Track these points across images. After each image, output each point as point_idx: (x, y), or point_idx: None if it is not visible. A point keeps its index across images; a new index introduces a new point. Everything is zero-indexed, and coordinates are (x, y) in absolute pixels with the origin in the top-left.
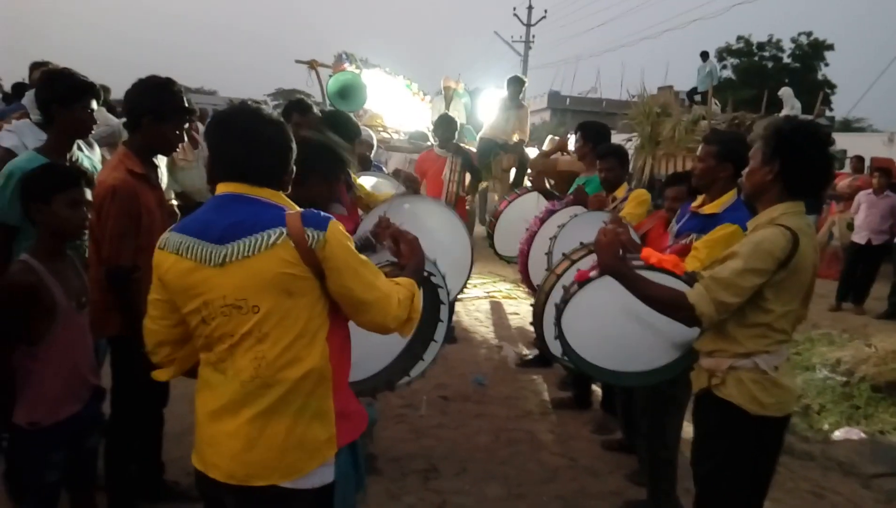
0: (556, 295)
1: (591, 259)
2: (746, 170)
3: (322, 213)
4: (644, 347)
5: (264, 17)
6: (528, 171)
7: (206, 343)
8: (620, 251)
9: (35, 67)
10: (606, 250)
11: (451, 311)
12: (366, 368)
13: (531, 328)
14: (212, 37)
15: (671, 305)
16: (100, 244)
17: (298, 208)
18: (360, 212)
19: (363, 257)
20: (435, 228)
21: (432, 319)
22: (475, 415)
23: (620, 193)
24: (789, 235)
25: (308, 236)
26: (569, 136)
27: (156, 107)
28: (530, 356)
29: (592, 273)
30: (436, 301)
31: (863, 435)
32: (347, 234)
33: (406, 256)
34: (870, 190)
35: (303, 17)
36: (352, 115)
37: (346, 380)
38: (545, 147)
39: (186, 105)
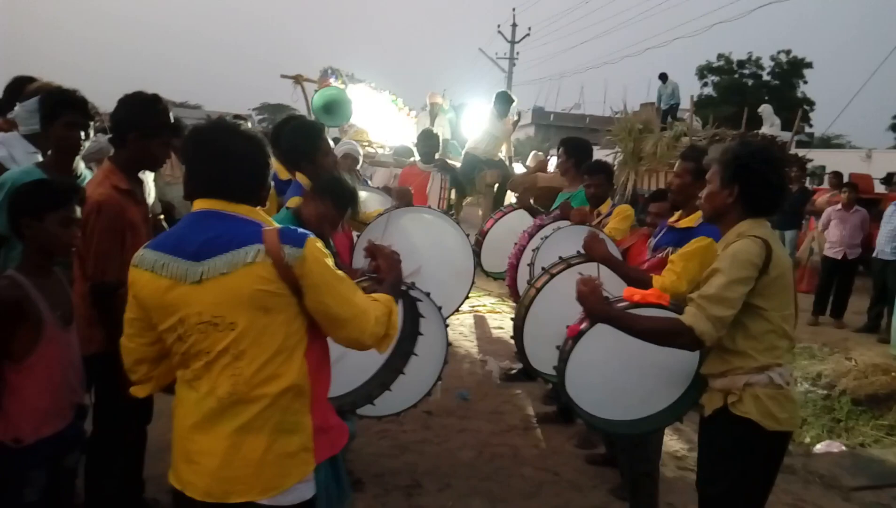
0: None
1: (592, 267)
2: (705, 192)
3: (299, 229)
4: (650, 387)
5: (250, 33)
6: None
7: (183, 360)
8: (604, 296)
9: (22, 82)
10: (590, 298)
11: (446, 322)
12: (345, 382)
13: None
14: (197, 51)
15: (669, 333)
16: (84, 260)
17: (276, 224)
18: (354, 232)
19: (341, 273)
20: (434, 238)
21: (412, 332)
22: (459, 430)
23: (605, 208)
24: (760, 242)
25: (285, 253)
26: (549, 157)
27: (142, 123)
28: (514, 371)
29: (583, 325)
30: (415, 314)
31: (844, 448)
32: (325, 250)
33: (384, 270)
34: (839, 205)
35: (289, 33)
36: (333, 129)
37: (325, 395)
38: (528, 163)
39: (172, 122)
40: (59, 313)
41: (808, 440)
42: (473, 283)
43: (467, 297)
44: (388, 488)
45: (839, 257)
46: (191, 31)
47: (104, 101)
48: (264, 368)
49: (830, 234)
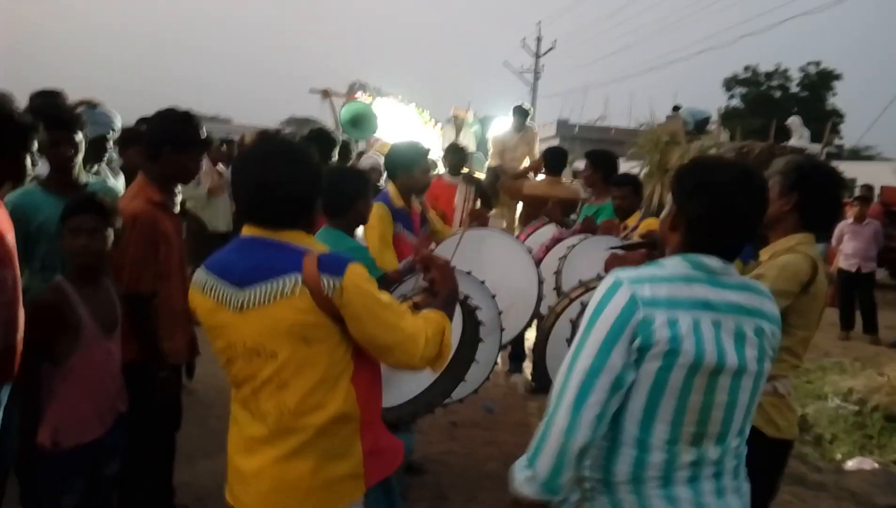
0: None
1: None
2: None
3: (343, 255)
4: None
5: (278, 47)
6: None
7: (235, 382)
8: None
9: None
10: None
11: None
12: (402, 393)
13: None
14: (227, 66)
15: None
16: (120, 271)
17: (319, 249)
18: (433, 244)
19: (385, 297)
20: (502, 261)
21: (472, 340)
22: (485, 442)
23: (632, 221)
24: (810, 260)
25: (324, 283)
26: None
27: (176, 138)
28: (538, 383)
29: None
30: (474, 323)
31: (876, 465)
32: (367, 275)
33: (438, 282)
34: (850, 219)
35: (316, 48)
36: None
37: (377, 417)
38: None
39: (204, 137)
40: (102, 321)
41: (839, 456)
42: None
43: (530, 325)
44: (414, 500)
45: (853, 270)
46: (221, 48)
47: (133, 118)
48: (308, 398)
49: (845, 247)
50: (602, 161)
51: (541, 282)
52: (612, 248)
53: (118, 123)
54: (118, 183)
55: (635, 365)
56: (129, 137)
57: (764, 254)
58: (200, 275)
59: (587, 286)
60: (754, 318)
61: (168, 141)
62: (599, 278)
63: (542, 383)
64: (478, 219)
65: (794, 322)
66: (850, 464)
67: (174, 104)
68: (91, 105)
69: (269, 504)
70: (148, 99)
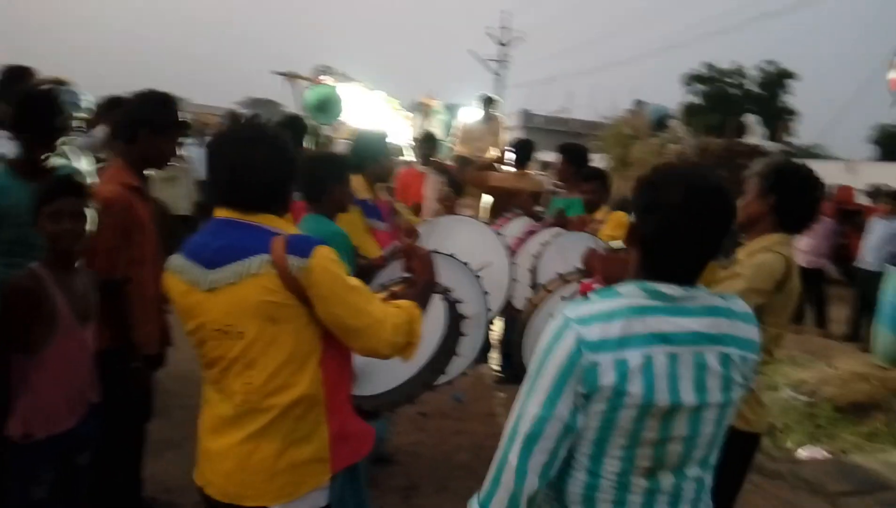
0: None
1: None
2: (741, 201)
3: (311, 238)
4: None
5: (238, 27)
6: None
7: (206, 363)
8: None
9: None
10: (618, 268)
11: (487, 327)
12: (383, 382)
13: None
14: (185, 45)
15: None
16: (93, 257)
17: (288, 231)
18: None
19: (353, 281)
20: (473, 247)
21: (454, 333)
22: (454, 432)
23: (600, 214)
24: (785, 260)
25: (290, 263)
26: (507, 148)
27: (154, 120)
28: (505, 373)
29: (596, 286)
30: (456, 316)
31: (826, 454)
32: (336, 258)
33: (418, 271)
34: None
35: (278, 29)
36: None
37: (346, 402)
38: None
39: (183, 119)
40: (77, 309)
41: (790, 444)
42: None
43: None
44: (385, 490)
45: (806, 266)
46: (178, 26)
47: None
48: (274, 377)
49: (799, 243)
50: (576, 156)
51: (512, 266)
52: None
53: (85, 103)
54: (83, 164)
55: (583, 409)
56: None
57: (741, 253)
58: (175, 259)
59: (565, 279)
60: (720, 345)
61: (145, 123)
62: (578, 271)
63: (518, 374)
64: (447, 207)
65: (767, 320)
66: (803, 453)
67: (118, 82)
68: (59, 83)
69: (233, 484)
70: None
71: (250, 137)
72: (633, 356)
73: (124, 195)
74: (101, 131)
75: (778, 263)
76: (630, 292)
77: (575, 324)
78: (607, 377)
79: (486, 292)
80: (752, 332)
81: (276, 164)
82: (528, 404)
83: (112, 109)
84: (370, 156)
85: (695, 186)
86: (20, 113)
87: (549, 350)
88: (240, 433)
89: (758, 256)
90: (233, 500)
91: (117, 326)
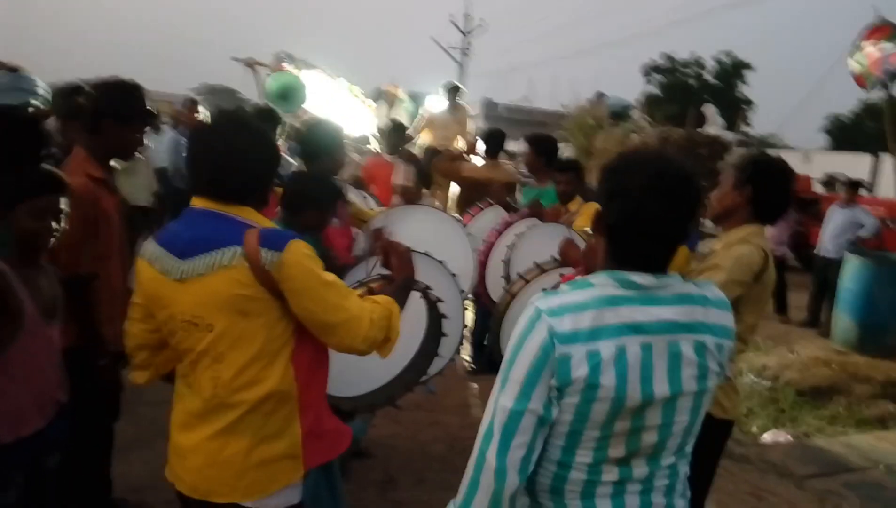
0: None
1: (569, 270)
2: (715, 193)
3: (285, 232)
4: None
5: (193, 11)
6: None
7: (177, 355)
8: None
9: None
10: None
11: (463, 325)
12: (364, 383)
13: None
14: (131, 29)
15: None
16: (57, 251)
17: (264, 225)
18: (353, 229)
19: (329, 277)
20: (434, 236)
21: (435, 334)
22: (428, 423)
23: (574, 206)
24: (762, 252)
25: (263, 256)
26: (477, 138)
27: (119, 110)
28: (473, 367)
29: (578, 277)
30: (437, 315)
31: (790, 438)
32: (310, 253)
33: (396, 268)
34: None
35: (235, 16)
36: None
37: (320, 400)
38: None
39: (148, 109)
40: (44, 306)
41: (755, 429)
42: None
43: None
44: (362, 483)
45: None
46: (124, 9)
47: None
48: (243, 372)
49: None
50: (545, 146)
51: (474, 251)
52: None
53: (41, 90)
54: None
55: (556, 401)
56: (69, 110)
57: (716, 244)
58: (149, 246)
59: (542, 268)
60: (694, 334)
61: (110, 113)
62: (555, 260)
63: (495, 364)
64: (408, 197)
65: (745, 310)
66: (766, 437)
67: (83, 68)
68: (11, 69)
69: (203, 480)
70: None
71: (235, 129)
72: (606, 348)
73: (88, 187)
74: (52, 122)
75: (756, 255)
76: (602, 282)
77: (546, 316)
78: (579, 370)
79: (462, 290)
80: (726, 319)
81: (259, 156)
82: (502, 398)
83: (67, 97)
84: (326, 148)
85: (659, 170)
86: None
87: (521, 343)
88: (209, 428)
89: (735, 247)
90: (203, 496)
91: (84, 323)
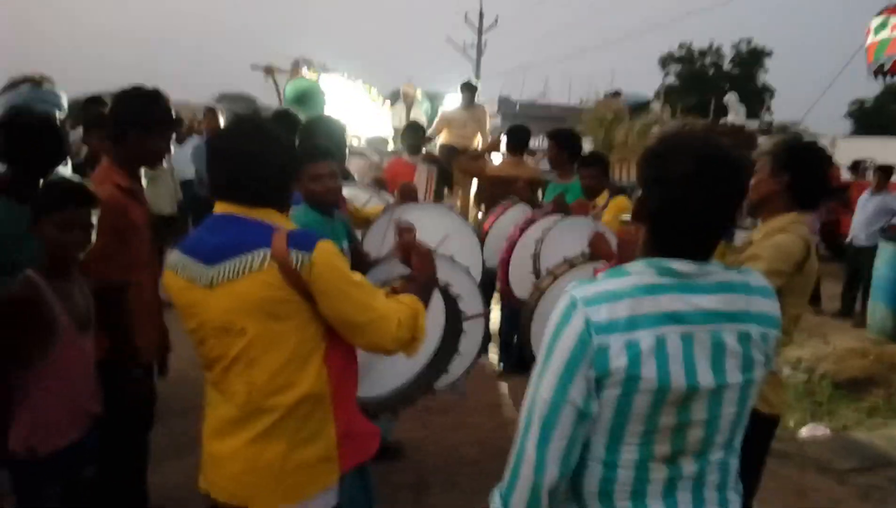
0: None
1: (598, 265)
2: (753, 181)
3: (312, 233)
4: None
5: (212, 21)
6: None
7: (206, 363)
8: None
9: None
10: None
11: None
12: (385, 384)
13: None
14: (157, 39)
15: None
16: (87, 262)
17: (288, 226)
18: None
19: (357, 276)
20: (440, 234)
21: (455, 331)
22: (458, 426)
23: (601, 200)
24: (803, 241)
25: (293, 258)
26: (501, 136)
27: (143, 119)
28: (502, 366)
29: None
30: (456, 312)
31: (828, 432)
32: (338, 253)
33: (417, 268)
34: None
35: (253, 23)
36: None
37: (352, 399)
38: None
39: (172, 115)
40: (77, 317)
41: (792, 424)
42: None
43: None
44: (395, 487)
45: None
46: (151, 20)
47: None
48: (277, 376)
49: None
50: (568, 141)
51: (481, 244)
52: None
53: (65, 102)
54: (66, 169)
55: (596, 394)
56: (91, 120)
57: (756, 234)
58: (174, 256)
59: (572, 263)
60: (737, 323)
61: (134, 122)
62: (584, 255)
63: (525, 362)
64: (406, 195)
65: (788, 301)
66: (804, 432)
67: (99, 78)
68: (36, 82)
69: (241, 486)
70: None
71: (250, 132)
72: (645, 338)
73: (117, 197)
74: (75, 133)
75: (797, 243)
76: (639, 271)
77: (582, 305)
78: (618, 360)
79: (478, 286)
80: (771, 307)
81: (279, 158)
82: (541, 389)
83: (89, 107)
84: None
85: (705, 155)
86: (10, 143)
87: (557, 333)
88: (246, 434)
89: (776, 236)
90: (242, 503)
91: (116, 334)
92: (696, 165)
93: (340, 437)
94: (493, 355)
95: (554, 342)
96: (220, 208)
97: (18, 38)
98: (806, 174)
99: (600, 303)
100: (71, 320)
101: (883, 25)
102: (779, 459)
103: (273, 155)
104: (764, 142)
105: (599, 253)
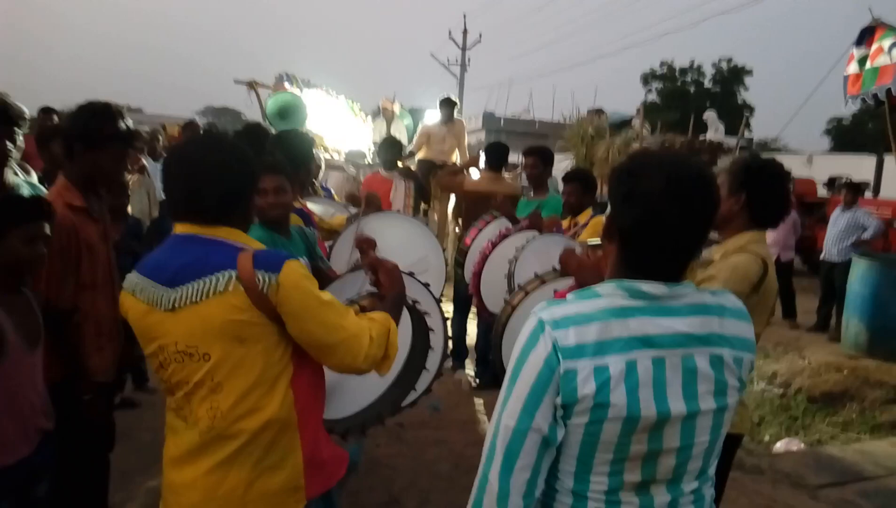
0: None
1: (567, 282)
2: None
3: (280, 252)
4: None
5: (196, 36)
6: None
7: (167, 388)
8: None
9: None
10: (592, 273)
11: (447, 338)
12: (352, 403)
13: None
14: (137, 53)
15: None
16: (38, 280)
17: (252, 246)
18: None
19: (325, 296)
20: (405, 241)
21: (422, 347)
22: (433, 442)
23: (583, 218)
24: (760, 261)
25: (259, 279)
26: (479, 152)
27: (87, 134)
28: (478, 381)
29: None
30: (424, 328)
31: (802, 446)
32: (306, 273)
33: (385, 285)
34: None
35: (238, 37)
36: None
37: (318, 424)
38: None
39: (124, 131)
40: (26, 333)
41: (767, 437)
42: (445, 284)
43: (441, 297)
44: (365, 505)
45: (773, 259)
46: (136, 34)
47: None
48: (242, 401)
49: (767, 236)
50: (549, 158)
51: (443, 250)
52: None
53: (26, 114)
54: (33, 179)
55: (563, 421)
56: (44, 132)
57: (716, 253)
58: (131, 278)
59: (543, 279)
60: (710, 346)
61: (80, 137)
62: (555, 270)
63: (498, 378)
64: (371, 206)
65: None
66: (779, 446)
67: (81, 92)
68: None
69: None
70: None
71: (205, 147)
72: (614, 363)
73: (66, 217)
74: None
75: (753, 263)
76: (609, 292)
77: (550, 328)
78: (586, 387)
79: (438, 299)
80: (745, 330)
81: (233, 173)
82: (505, 415)
83: (42, 119)
84: (303, 160)
85: (678, 173)
86: None
87: (523, 357)
88: (206, 462)
89: (732, 257)
90: None
91: (66, 357)
92: (666, 182)
93: (307, 464)
94: (470, 370)
95: (520, 366)
96: (180, 228)
97: (10, 44)
98: (763, 192)
99: (568, 326)
100: (20, 336)
101: (863, 61)
102: (752, 474)
103: (228, 169)
104: (722, 160)
105: (569, 270)
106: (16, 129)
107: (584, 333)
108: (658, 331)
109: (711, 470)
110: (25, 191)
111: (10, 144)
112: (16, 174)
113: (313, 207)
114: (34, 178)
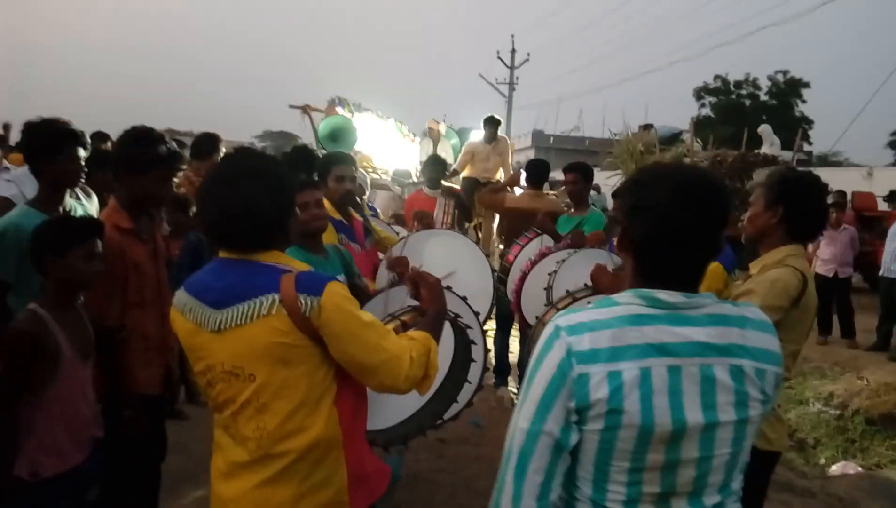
0: None
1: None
2: (748, 214)
3: (321, 274)
4: None
5: (257, 60)
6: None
7: (216, 406)
8: None
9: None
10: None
11: (487, 348)
12: (394, 415)
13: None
14: (203, 78)
15: None
16: (87, 300)
17: (297, 268)
18: (379, 254)
19: (367, 317)
20: (453, 259)
21: (465, 359)
22: (474, 458)
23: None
24: (800, 275)
25: (301, 303)
26: (521, 170)
27: (129, 159)
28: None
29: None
30: (466, 341)
31: (860, 469)
32: (347, 294)
33: (426, 300)
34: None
35: (294, 61)
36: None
37: (362, 442)
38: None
39: (165, 154)
40: (79, 347)
41: (822, 461)
42: (493, 304)
43: (489, 317)
44: None
45: (830, 275)
46: (198, 58)
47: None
48: (288, 421)
49: (822, 252)
50: (589, 174)
51: (493, 271)
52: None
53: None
54: (93, 204)
55: (576, 426)
56: (93, 157)
57: (753, 268)
58: (181, 296)
59: (574, 296)
60: (730, 357)
61: (124, 163)
62: (587, 287)
63: None
64: (421, 222)
65: (784, 337)
66: (835, 469)
67: (146, 117)
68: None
69: None
70: (124, 111)
71: (239, 174)
72: (628, 369)
73: (115, 239)
74: None
75: (793, 278)
76: (626, 301)
77: (565, 333)
78: (599, 391)
79: (476, 313)
80: (769, 342)
81: (267, 199)
82: (519, 418)
83: (93, 144)
84: (320, 175)
85: (684, 180)
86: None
87: (538, 362)
88: (255, 477)
89: (771, 271)
90: None
91: (111, 374)
92: (675, 190)
93: (351, 480)
94: (512, 387)
95: (535, 370)
96: (221, 253)
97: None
98: (801, 206)
99: (583, 332)
100: (74, 349)
101: None
102: (801, 497)
103: (260, 196)
104: (757, 173)
105: (599, 286)
106: (81, 151)
107: (598, 338)
108: (674, 339)
109: (735, 485)
110: (80, 212)
111: (77, 167)
112: (77, 198)
113: None
114: (94, 200)
